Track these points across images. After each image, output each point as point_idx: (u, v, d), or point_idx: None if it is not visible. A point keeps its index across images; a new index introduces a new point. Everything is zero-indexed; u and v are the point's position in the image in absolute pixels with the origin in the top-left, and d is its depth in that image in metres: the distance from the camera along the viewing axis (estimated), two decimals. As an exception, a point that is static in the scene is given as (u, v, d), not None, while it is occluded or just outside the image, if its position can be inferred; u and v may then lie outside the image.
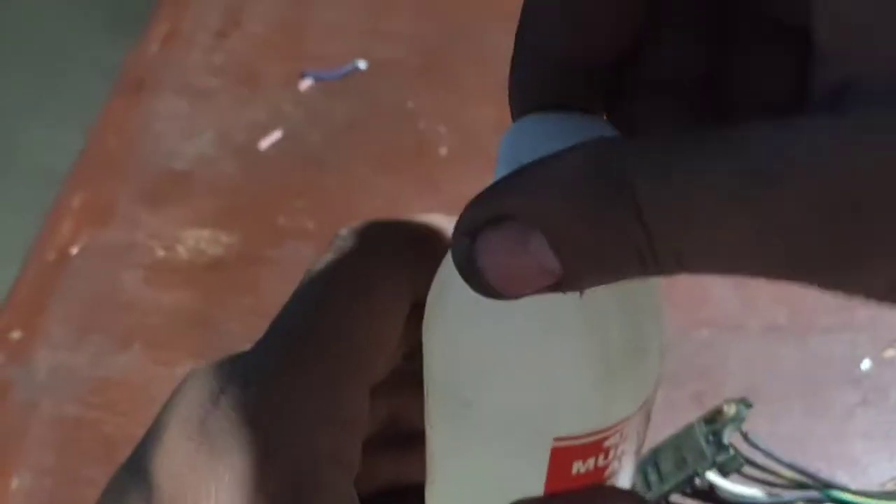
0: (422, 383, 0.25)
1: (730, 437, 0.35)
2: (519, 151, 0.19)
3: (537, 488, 0.23)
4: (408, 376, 0.25)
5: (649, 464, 0.36)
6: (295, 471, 0.22)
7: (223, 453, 0.22)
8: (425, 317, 0.24)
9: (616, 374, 0.22)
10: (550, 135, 0.20)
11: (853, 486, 0.37)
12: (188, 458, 0.22)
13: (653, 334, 0.23)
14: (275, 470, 0.22)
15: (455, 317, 0.22)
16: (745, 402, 0.36)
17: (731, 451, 0.34)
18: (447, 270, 0.23)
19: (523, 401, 0.22)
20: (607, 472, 0.24)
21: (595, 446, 0.23)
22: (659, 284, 0.23)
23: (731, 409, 0.35)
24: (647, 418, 0.24)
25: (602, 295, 0.20)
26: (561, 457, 0.23)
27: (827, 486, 0.36)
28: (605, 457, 0.23)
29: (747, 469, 0.36)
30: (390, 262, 0.24)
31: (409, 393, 0.25)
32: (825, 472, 0.37)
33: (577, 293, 0.20)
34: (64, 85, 1.57)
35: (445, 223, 0.26)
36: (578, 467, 0.23)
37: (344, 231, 0.25)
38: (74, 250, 0.47)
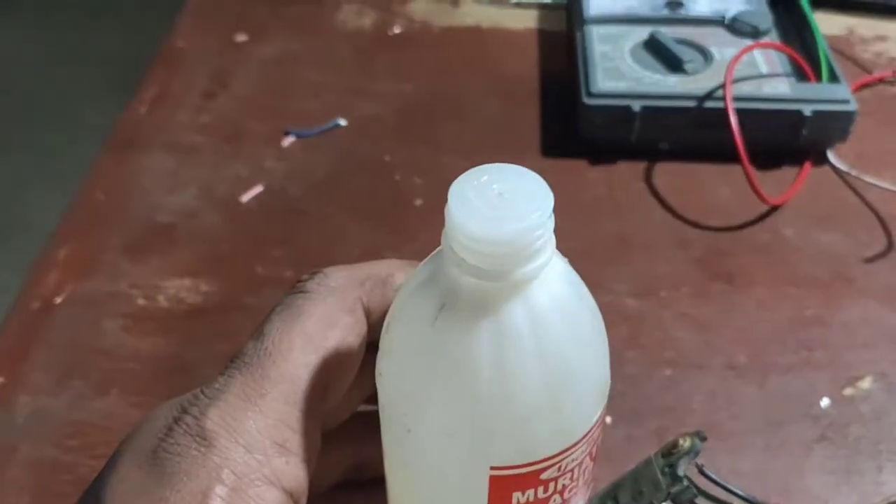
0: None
1: (685, 469, 0.36)
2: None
3: None
4: (373, 421, 0.27)
5: (609, 497, 0.37)
6: (236, 490, 0.23)
7: (171, 477, 0.23)
8: (379, 350, 0.26)
9: (543, 408, 0.23)
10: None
11: (812, 520, 0.37)
12: (138, 484, 0.23)
13: (589, 374, 0.24)
14: (219, 491, 0.23)
15: (398, 348, 0.24)
16: (700, 435, 0.36)
17: (685, 483, 0.35)
18: (395, 305, 0.25)
19: (456, 429, 0.23)
20: None
21: (532, 477, 0.24)
22: (602, 331, 0.24)
23: (686, 442, 0.36)
24: (591, 458, 0.25)
25: (527, 333, 0.22)
26: (499, 486, 0.24)
27: (784, 518, 0.37)
28: (545, 490, 0.24)
29: (703, 502, 0.37)
30: (346, 306, 0.26)
31: (373, 440, 0.27)
32: (784, 506, 0.38)
33: (506, 327, 0.22)
34: (68, 148, 1.61)
35: (398, 267, 0.28)
36: (518, 498, 0.24)
37: (306, 276, 0.27)
38: (58, 300, 0.48)
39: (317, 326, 0.25)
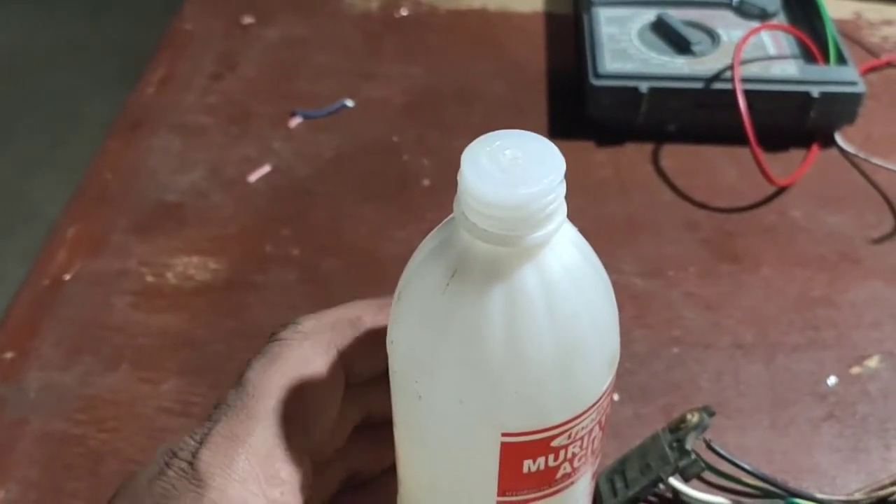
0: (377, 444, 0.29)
1: (692, 443, 0.36)
2: None
3: (491, 487, 0.25)
4: (359, 435, 0.29)
5: (616, 472, 0.37)
6: None
7: None
8: (389, 319, 0.26)
9: (554, 373, 0.23)
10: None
11: (819, 496, 0.37)
12: None
13: (599, 340, 0.24)
14: None
15: (409, 315, 0.24)
16: (708, 410, 0.37)
17: (693, 456, 0.35)
18: (406, 273, 0.25)
19: (468, 394, 0.23)
20: (558, 475, 0.25)
21: (543, 445, 0.24)
22: (611, 298, 0.24)
23: (694, 417, 0.36)
24: (601, 427, 0.26)
25: (539, 298, 0.22)
26: (510, 453, 0.24)
27: (792, 493, 0.37)
28: (555, 458, 0.24)
29: (712, 477, 0.37)
30: (320, 349, 0.28)
31: (360, 453, 0.29)
32: (792, 482, 0.38)
33: (519, 295, 0.22)
34: (74, 137, 1.61)
35: (366, 309, 0.29)
36: (529, 465, 0.24)
37: (280, 326, 0.29)
38: (67, 277, 0.48)
39: (294, 368, 0.27)
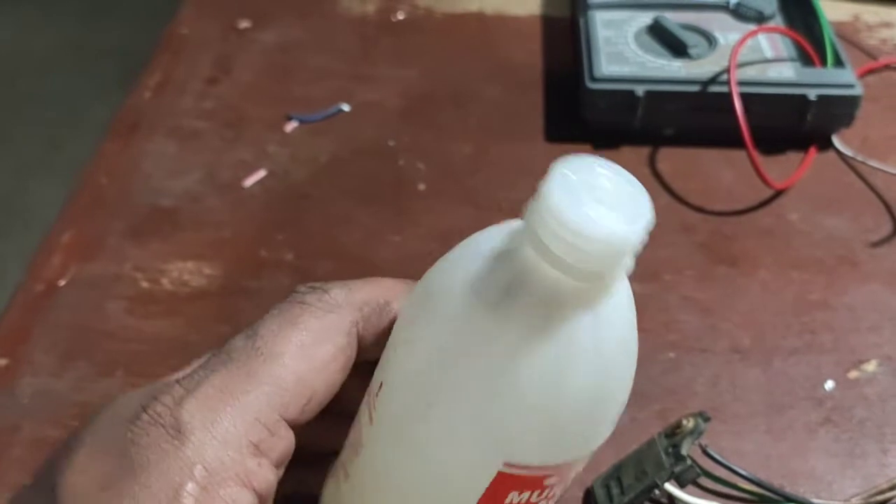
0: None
1: (688, 449, 0.36)
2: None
3: None
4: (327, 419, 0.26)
5: (612, 478, 0.37)
6: (207, 488, 0.22)
7: (139, 471, 0.21)
8: (404, 309, 0.25)
9: (584, 418, 0.22)
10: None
11: (816, 501, 0.37)
12: (100, 476, 0.22)
13: (622, 392, 0.23)
14: (190, 489, 0.22)
15: (443, 319, 0.22)
16: (703, 416, 0.36)
17: (689, 462, 0.35)
18: (444, 278, 0.23)
19: (491, 417, 0.22)
20: None
21: (537, 481, 0.23)
22: (636, 351, 0.23)
23: (689, 423, 0.36)
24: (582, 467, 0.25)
25: (589, 342, 0.21)
26: (502, 483, 0.23)
27: (788, 498, 0.37)
28: (540, 494, 0.24)
29: (708, 483, 0.37)
30: (343, 327, 0.26)
31: (322, 430, 0.26)
32: (788, 487, 0.38)
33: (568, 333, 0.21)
34: (71, 140, 1.61)
35: (395, 293, 0.27)
36: (513, 497, 0.23)
37: (304, 287, 0.27)
38: (62, 282, 0.48)
39: (311, 339, 0.25)
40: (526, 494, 0.23)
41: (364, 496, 0.26)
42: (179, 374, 0.25)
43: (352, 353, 0.26)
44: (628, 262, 0.21)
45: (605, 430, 0.24)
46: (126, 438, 0.22)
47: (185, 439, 0.22)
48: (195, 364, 0.26)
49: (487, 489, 0.23)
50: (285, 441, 0.24)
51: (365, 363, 0.26)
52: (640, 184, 0.21)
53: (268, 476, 0.23)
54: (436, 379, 0.22)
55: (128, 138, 0.58)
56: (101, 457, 0.22)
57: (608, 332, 0.22)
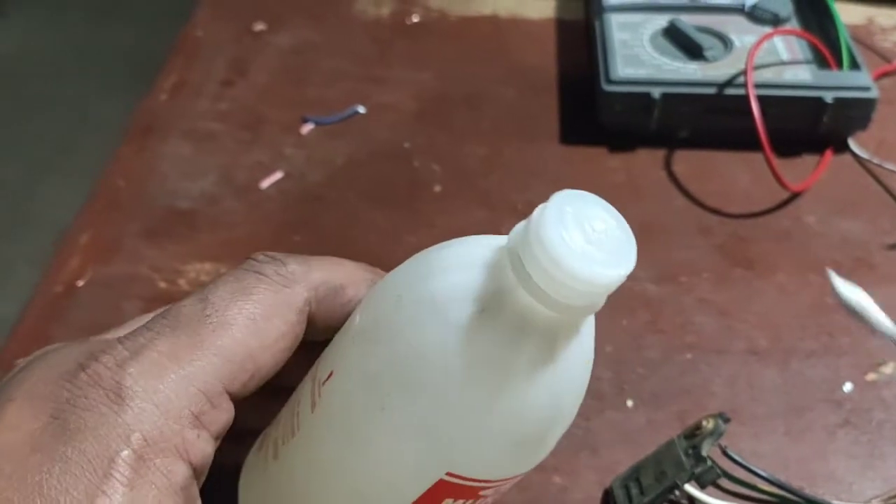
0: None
1: (708, 450, 0.36)
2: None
3: None
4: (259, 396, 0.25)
5: (631, 479, 0.37)
6: (143, 458, 0.21)
7: (74, 434, 0.20)
8: (368, 303, 0.24)
9: (534, 439, 0.23)
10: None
11: (836, 503, 0.37)
12: (32, 437, 0.20)
13: (572, 416, 0.23)
14: (126, 456, 0.21)
15: (408, 328, 0.22)
16: (723, 417, 0.36)
17: (709, 463, 0.35)
18: (420, 287, 0.23)
19: (444, 427, 0.22)
20: None
21: (473, 491, 0.23)
22: (586, 382, 0.23)
23: (709, 424, 0.36)
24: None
25: (556, 367, 0.22)
26: (441, 489, 0.23)
27: (809, 500, 0.37)
28: (475, 502, 0.24)
29: (728, 484, 0.37)
30: (296, 304, 0.25)
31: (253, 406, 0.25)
32: (808, 489, 0.38)
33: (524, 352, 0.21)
34: (81, 143, 1.62)
35: (353, 278, 0.26)
36: (447, 503, 0.23)
37: (262, 257, 0.25)
38: (80, 283, 0.48)
39: (263, 313, 0.24)
40: (461, 502, 0.24)
41: (294, 480, 0.25)
42: (120, 332, 0.24)
43: (300, 331, 0.25)
44: (601, 301, 0.21)
45: (549, 451, 0.24)
46: (61, 397, 0.21)
47: (125, 405, 0.21)
48: (136, 322, 0.25)
49: (425, 493, 0.23)
50: (226, 414, 0.23)
51: (308, 342, 0.26)
52: (629, 229, 0.21)
53: (206, 448, 0.22)
54: (394, 384, 0.22)
55: (144, 141, 0.58)
56: (33, 414, 0.21)
57: (567, 362, 0.22)
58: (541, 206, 0.21)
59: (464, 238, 0.24)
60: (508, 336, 0.21)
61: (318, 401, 0.24)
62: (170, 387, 0.22)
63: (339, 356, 0.24)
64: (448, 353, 0.21)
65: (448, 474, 0.22)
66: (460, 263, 0.22)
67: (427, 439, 0.22)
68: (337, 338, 0.25)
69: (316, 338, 0.26)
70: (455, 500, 0.23)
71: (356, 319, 0.24)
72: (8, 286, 1.34)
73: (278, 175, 0.55)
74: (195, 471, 0.22)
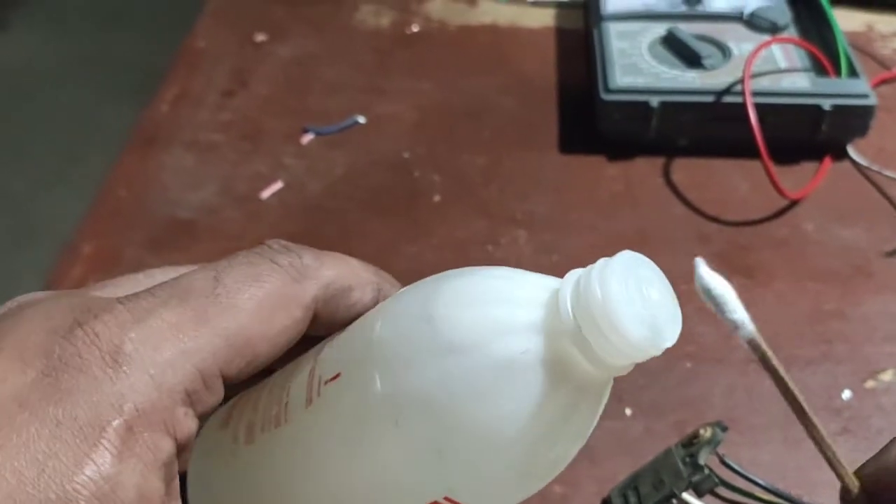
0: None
1: (706, 459, 0.36)
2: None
3: None
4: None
5: (629, 488, 0.37)
6: (133, 429, 0.20)
7: (66, 396, 0.20)
8: (392, 315, 0.23)
9: (539, 478, 0.23)
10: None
11: (834, 512, 0.37)
12: (20, 392, 0.19)
13: (572, 450, 0.23)
14: (116, 426, 0.20)
15: (442, 355, 0.22)
16: (721, 426, 0.36)
17: (707, 472, 0.35)
18: (452, 309, 0.22)
19: (458, 453, 0.22)
20: None
21: None
22: (596, 415, 0.23)
23: (707, 433, 0.36)
24: None
25: (579, 414, 0.22)
26: None
27: (806, 509, 0.37)
28: None
29: (726, 492, 0.37)
30: (304, 300, 0.24)
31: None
32: (806, 498, 0.38)
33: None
34: (86, 153, 1.62)
35: (359, 281, 0.26)
36: None
37: (276, 245, 0.25)
38: (82, 293, 0.49)
39: (272, 304, 0.23)
40: None
41: (274, 470, 0.25)
42: (111, 290, 0.23)
43: (304, 328, 0.24)
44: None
45: (539, 484, 0.24)
46: (52, 353, 0.20)
47: (121, 370, 0.20)
48: (126, 280, 0.25)
49: None
50: (216, 396, 0.22)
51: (305, 336, 0.25)
52: (674, 293, 0.22)
53: (192, 427, 0.22)
54: (416, 405, 0.22)
55: (146, 151, 0.59)
56: (22, 370, 0.20)
57: (592, 412, 0.22)
58: (602, 264, 0.21)
59: (501, 268, 0.23)
60: (545, 384, 0.21)
61: (317, 398, 0.23)
62: (168, 360, 0.21)
63: (350, 360, 0.23)
64: (482, 389, 0.21)
65: (445, 498, 0.22)
66: (502, 299, 0.22)
67: (436, 463, 0.22)
68: (344, 338, 0.25)
69: (314, 334, 0.25)
70: None
71: (376, 328, 0.23)
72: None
73: (278, 185, 0.55)
74: (179, 448, 0.22)
